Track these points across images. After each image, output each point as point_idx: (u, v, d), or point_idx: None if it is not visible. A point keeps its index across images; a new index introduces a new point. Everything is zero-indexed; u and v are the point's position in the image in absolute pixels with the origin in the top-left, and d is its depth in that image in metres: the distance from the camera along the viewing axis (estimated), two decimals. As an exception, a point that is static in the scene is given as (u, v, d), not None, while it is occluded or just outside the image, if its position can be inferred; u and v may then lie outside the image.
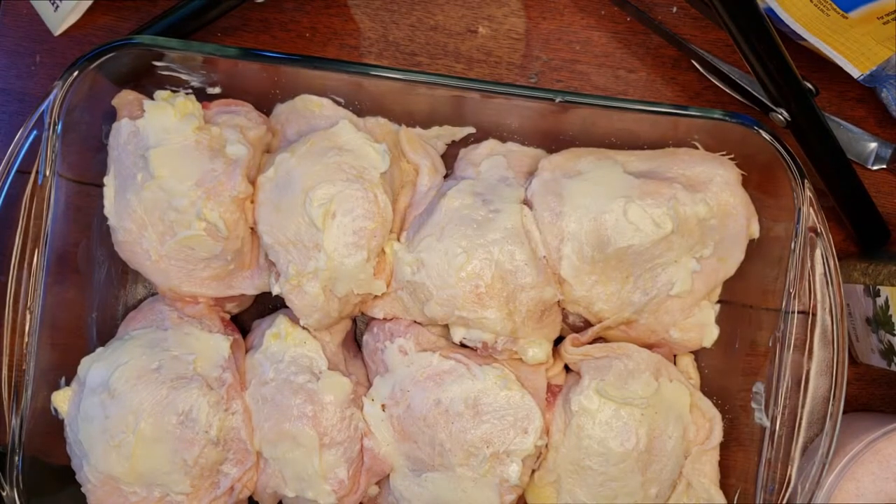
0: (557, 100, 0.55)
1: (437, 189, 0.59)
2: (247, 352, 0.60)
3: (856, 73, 0.57)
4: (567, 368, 0.60)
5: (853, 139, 0.64)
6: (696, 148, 0.58)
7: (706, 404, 0.59)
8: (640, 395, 0.55)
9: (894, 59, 0.58)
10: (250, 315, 0.64)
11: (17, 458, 0.55)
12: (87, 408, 0.55)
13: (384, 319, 0.60)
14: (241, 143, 0.57)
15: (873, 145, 0.64)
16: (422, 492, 0.57)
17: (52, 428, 0.57)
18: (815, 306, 0.54)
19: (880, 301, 0.57)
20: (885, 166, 0.64)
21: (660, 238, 0.54)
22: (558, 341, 0.60)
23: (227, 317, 0.62)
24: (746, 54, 0.54)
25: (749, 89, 0.58)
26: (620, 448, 0.55)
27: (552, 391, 0.58)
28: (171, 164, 0.55)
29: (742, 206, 0.57)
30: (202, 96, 0.59)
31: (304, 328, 0.58)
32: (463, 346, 0.59)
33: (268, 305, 0.64)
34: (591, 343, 0.59)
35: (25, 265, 0.55)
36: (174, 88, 0.59)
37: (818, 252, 0.54)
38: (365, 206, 0.55)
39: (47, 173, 0.55)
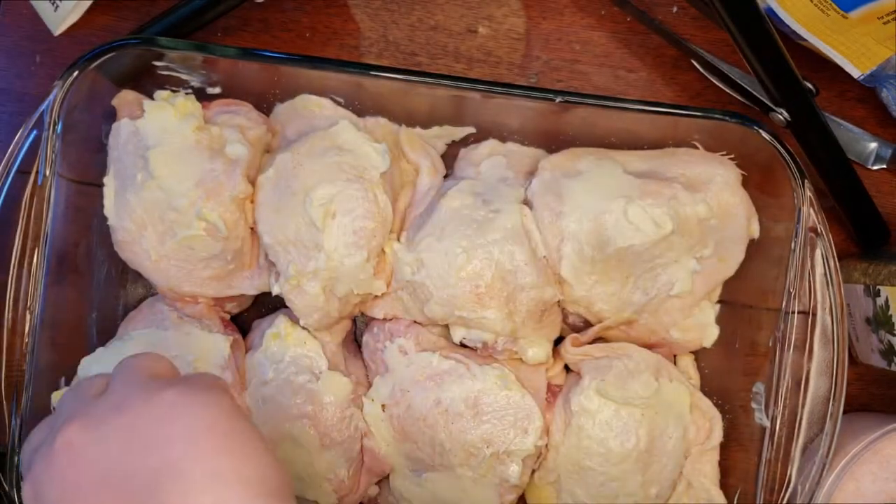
0: (557, 100, 0.55)
1: (437, 189, 0.59)
2: (247, 352, 0.60)
3: (856, 72, 0.57)
4: (567, 368, 0.60)
5: (853, 139, 0.64)
6: (697, 148, 0.58)
7: (706, 404, 0.59)
8: (641, 395, 0.55)
9: (894, 59, 0.58)
10: (250, 315, 0.64)
11: (17, 458, 0.55)
12: (87, 408, 0.55)
13: (384, 319, 0.60)
14: (240, 143, 0.57)
15: (873, 145, 0.64)
16: (422, 492, 0.57)
17: (52, 428, 0.57)
18: (815, 306, 0.54)
19: (880, 301, 0.57)
20: (885, 166, 0.64)
21: (660, 238, 0.54)
22: (558, 341, 0.60)
23: (227, 317, 0.62)
24: (746, 54, 0.54)
25: (749, 89, 0.58)
26: (620, 448, 0.55)
27: (552, 391, 0.58)
28: (171, 165, 0.55)
29: (742, 206, 0.57)
30: (202, 96, 0.59)
31: (304, 328, 0.58)
32: (463, 346, 0.59)
33: (268, 305, 0.64)
34: (591, 343, 0.59)
35: (25, 265, 0.55)
36: (174, 88, 0.59)
37: (818, 252, 0.54)
38: (365, 206, 0.55)
39: (47, 173, 0.55)
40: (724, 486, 0.58)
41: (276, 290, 0.57)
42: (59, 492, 0.39)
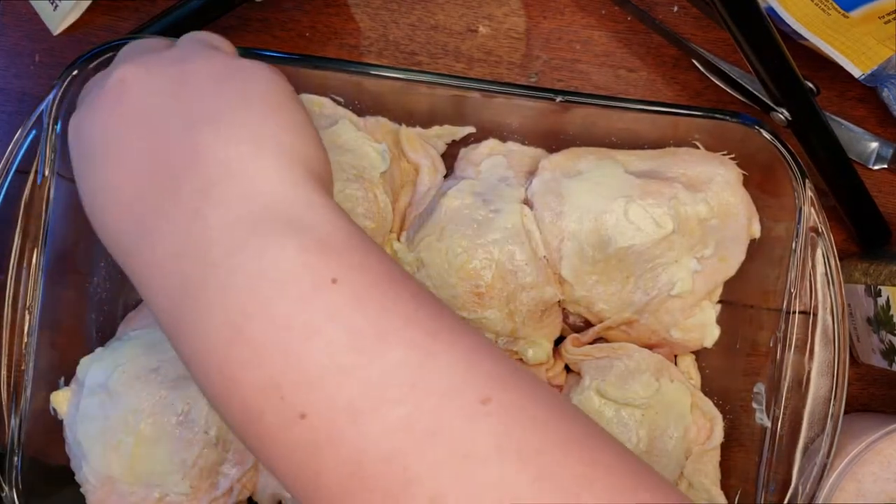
0: (558, 99, 0.55)
1: (437, 189, 0.59)
2: (246, 352, 0.60)
3: (857, 72, 0.57)
4: (567, 368, 0.60)
5: (854, 139, 0.64)
6: (697, 147, 0.58)
7: (707, 404, 0.58)
8: (641, 396, 0.55)
9: (895, 58, 0.58)
10: (250, 315, 0.64)
11: (16, 458, 0.55)
12: (86, 408, 0.55)
13: (384, 319, 0.60)
14: (240, 142, 0.57)
15: (874, 145, 0.64)
16: (422, 492, 0.57)
17: (52, 428, 0.57)
18: (816, 306, 0.54)
19: (881, 301, 0.57)
20: (886, 166, 0.64)
21: (661, 238, 0.54)
22: (558, 341, 0.60)
23: (227, 317, 0.62)
24: (747, 54, 0.54)
25: (750, 89, 0.58)
26: (621, 448, 0.55)
27: (552, 391, 0.58)
28: (171, 164, 0.55)
29: (743, 206, 0.57)
30: (202, 96, 0.59)
31: (303, 328, 0.58)
32: (463, 346, 0.58)
33: (267, 305, 0.64)
34: (591, 343, 0.59)
35: (24, 265, 0.55)
36: (174, 88, 0.59)
37: (819, 252, 0.54)
38: (365, 205, 0.55)
39: (46, 173, 0.55)
40: (725, 486, 0.58)
41: (275, 290, 0.57)
42: (101, 129, 0.39)
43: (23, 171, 0.55)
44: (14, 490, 0.55)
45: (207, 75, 0.39)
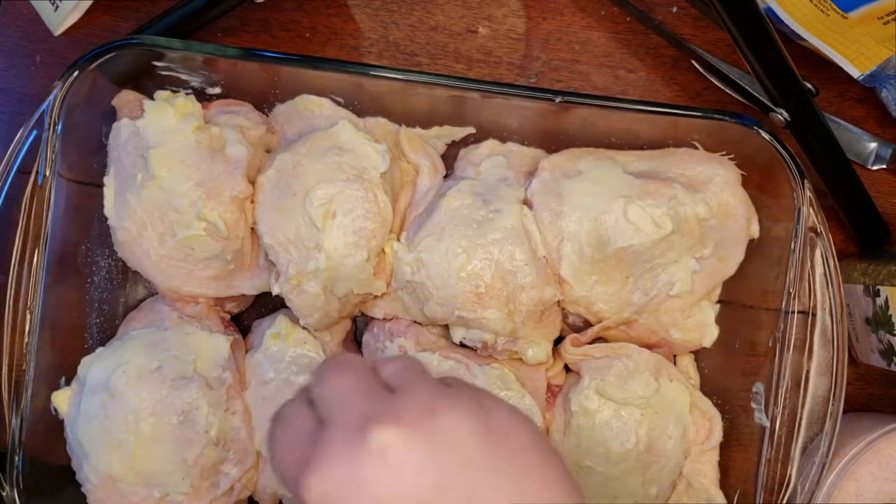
0: (557, 100, 0.55)
1: (437, 189, 0.59)
2: (247, 352, 0.60)
3: (856, 73, 0.57)
4: (567, 368, 0.60)
5: (853, 139, 0.64)
6: (696, 148, 0.58)
7: (706, 404, 0.59)
8: (640, 395, 0.55)
9: (894, 59, 0.58)
10: (250, 315, 0.64)
11: (17, 458, 0.55)
12: (87, 408, 0.55)
13: (384, 319, 0.60)
14: (241, 143, 0.57)
15: (873, 145, 0.64)
16: (422, 492, 0.57)
17: (52, 428, 0.57)
18: (815, 306, 0.54)
19: (880, 301, 0.57)
20: (884, 166, 0.64)
21: (660, 238, 0.54)
22: (558, 341, 0.60)
23: (227, 317, 0.62)
24: (746, 54, 0.54)
25: (749, 89, 0.58)
26: (620, 448, 0.55)
27: (552, 391, 0.58)
28: (171, 165, 0.55)
29: (742, 207, 0.57)
30: (202, 96, 0.59)
31: (304, 328, 0.58)
32: (463, 346, 0.59)
33: (268, 305, 0.64)
34: (591, 343, 0.59)
35: (25, 265, 0.55)
36: (174, 88, 0.59)
37: (818, 252, 0.54)
38: (365, 206, 0.55)
39: (47, 173, 0.55)
40: (724, 486, 0.58)
41: (276, 290, 0.57)
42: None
43: (24, 172, 0.55)
44: (15, 489, 0.55)
45: (468, 435, 0.36)
